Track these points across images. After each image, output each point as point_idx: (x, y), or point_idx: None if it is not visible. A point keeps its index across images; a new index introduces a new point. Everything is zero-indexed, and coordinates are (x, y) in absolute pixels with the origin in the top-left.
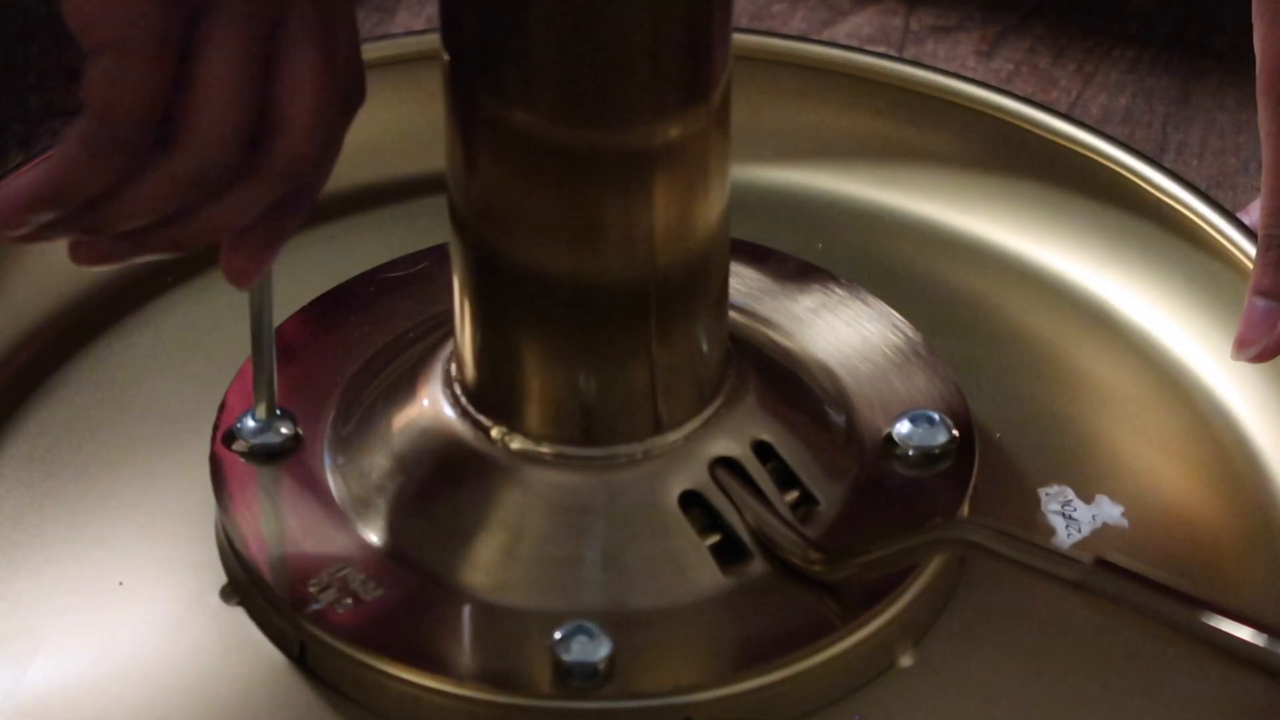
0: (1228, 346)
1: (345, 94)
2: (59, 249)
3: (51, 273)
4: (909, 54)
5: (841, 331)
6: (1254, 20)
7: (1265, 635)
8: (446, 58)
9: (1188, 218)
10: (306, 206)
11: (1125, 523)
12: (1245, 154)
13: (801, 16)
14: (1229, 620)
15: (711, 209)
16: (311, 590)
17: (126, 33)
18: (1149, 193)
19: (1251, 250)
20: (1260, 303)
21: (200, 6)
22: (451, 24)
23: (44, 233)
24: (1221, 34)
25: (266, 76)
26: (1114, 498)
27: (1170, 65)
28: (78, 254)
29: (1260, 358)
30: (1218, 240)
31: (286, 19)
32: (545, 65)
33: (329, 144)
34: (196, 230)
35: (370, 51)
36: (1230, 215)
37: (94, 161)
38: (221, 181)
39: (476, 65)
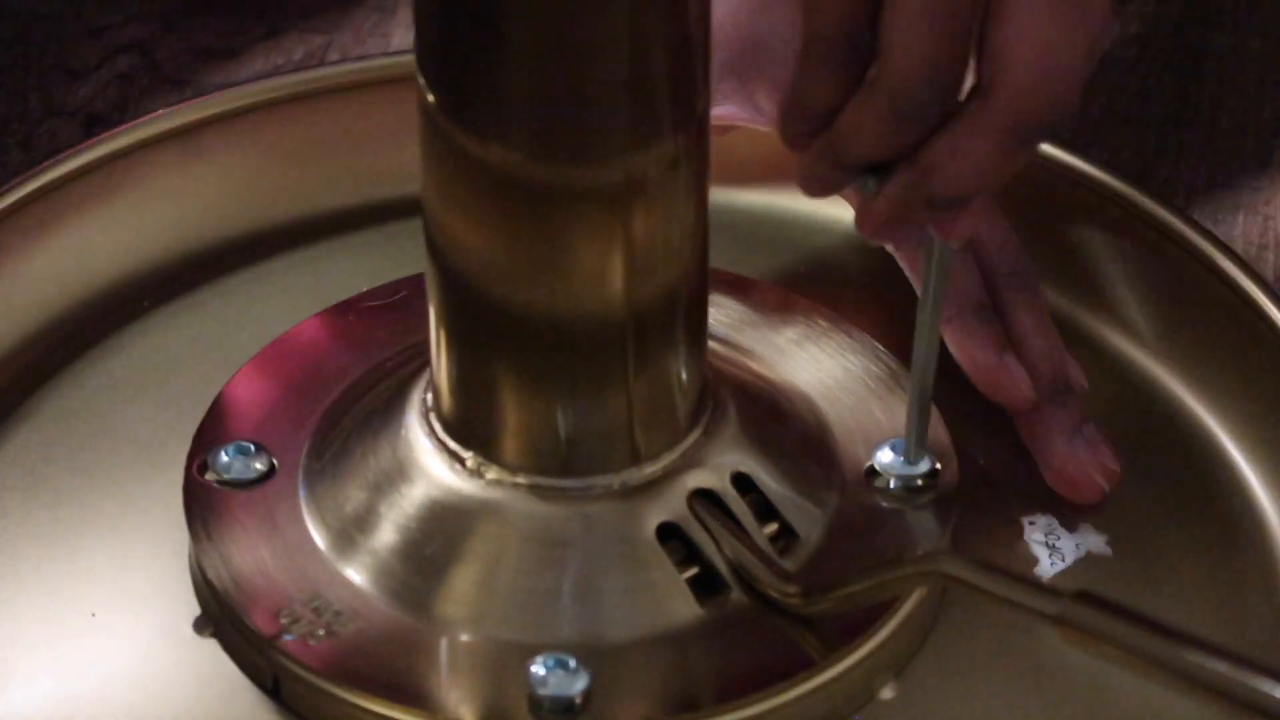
0: (1214, 373)
1: (1088, 29)
2: (34, 271)
3: (24, 297)
4: None
5: (823, 362)
6: None
7: (1245, 670)
8: (422, 84)
9: (1171, 241)
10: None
11: (1109, 551)
12: (1245, 154)
13: None
14: (1209, 654)
15: (689, 240)
16: (284, 622)
17: None
18: (1132, 216)
19: (1240, 278)
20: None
21: None
22: (427, 57)
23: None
24: (1221, 34)
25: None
26: (1098, 526)
27: (1170, 65)
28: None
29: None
30: (1205, 267)
31: None
32: (521, 101)
33: (1064, 91)
34: (937, 183)
35: (350, 75)
36: (1213, 238)
37: (812, 69)
38: (922, 118)
39: (452, 100)
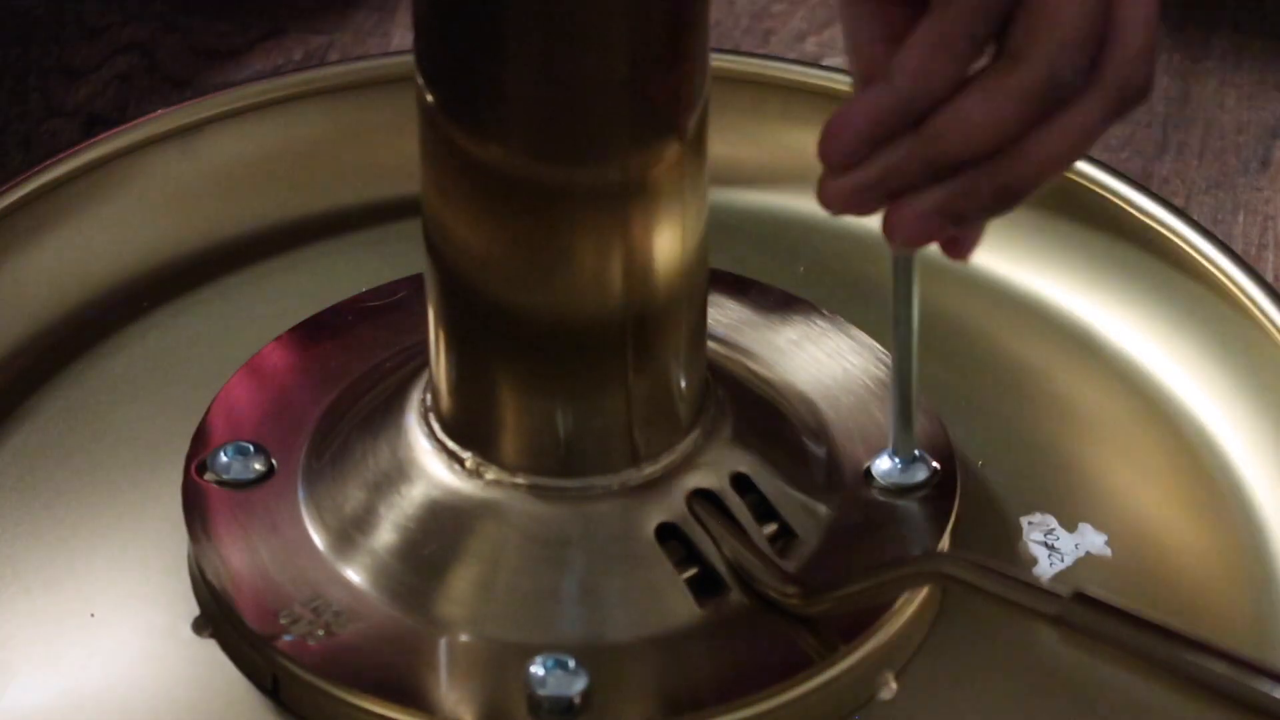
0: (1212, 372)
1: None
2: (34, 271)
3: (24, 297)
4: None
5: (823, 363)
6: None
7: (1243, 670)
8: (421, 84)
9: (1171, 242)
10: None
11: (1108, 551)
12: (1245, 154)
13: (801, 16)
14: (1207, 655)
15: (688, 239)
16: (284, 622)
17: None
18: (1133, 216)
19: (1238, 275)
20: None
21: None
22: (427, 57)
23: (871, 188)
24: (1221, 34)
25: None
26: (1097, 526)
27: (1170, 65)
28: (894, 226)
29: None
30: (1202, 264)
31: None
32: (521, 100)
33: (1153, 58)
34: (1028, 164)
35: (350, 75)
36: (1214, 238)
37: (937, 53)
38: (1068, 92)
39: (452, 100)
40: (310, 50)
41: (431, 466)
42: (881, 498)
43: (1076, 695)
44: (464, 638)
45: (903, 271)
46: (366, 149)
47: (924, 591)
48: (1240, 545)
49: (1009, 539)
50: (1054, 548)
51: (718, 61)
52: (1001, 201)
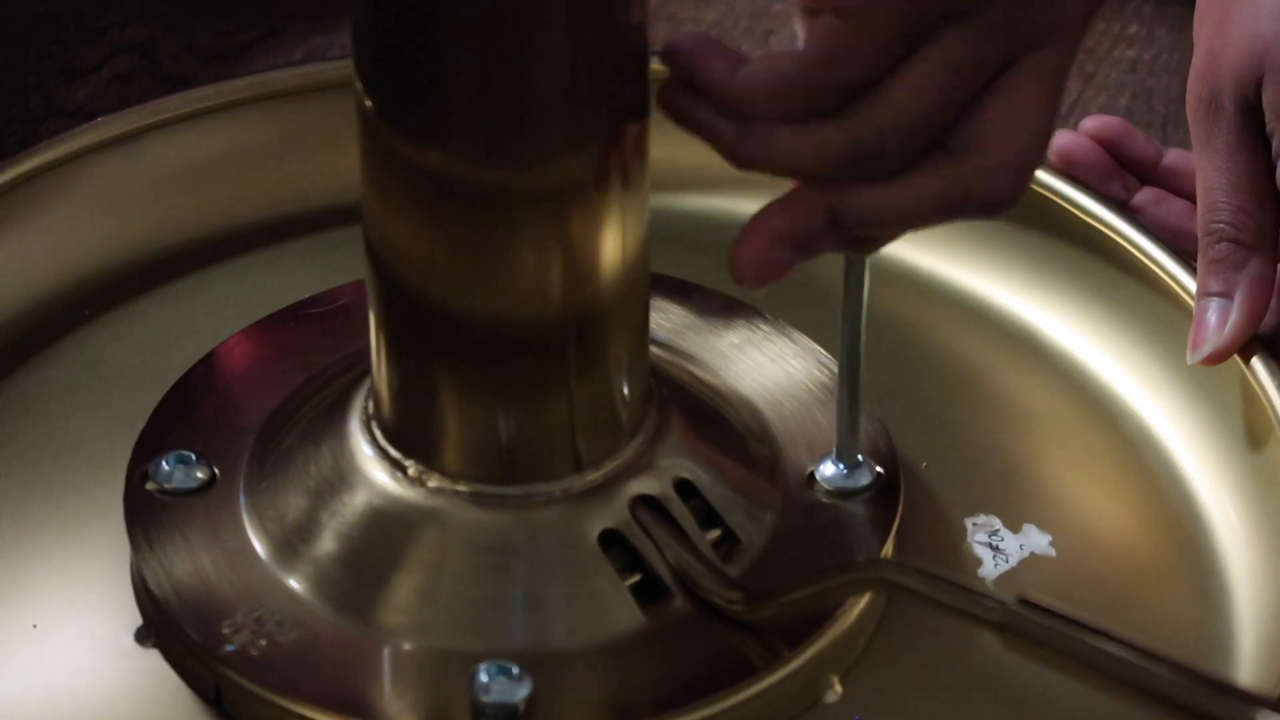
0: (1155, 372)
1: (1053, 127)
2: None
3: None
4: None
5: (766, 368)
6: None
7: (1182, 675)
8: (359, 89)
9: (1114, 242)
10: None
11: (1053, 552)
12: None
13: None
14: (1150, 660)
15: (629, 243)
16: (226, 632)
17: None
18: (1075, 217)
19: (1180, 274)
20: (1209, 304)
21: (946, 17)
22: (365, 63)
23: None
24: None
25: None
26: (1041, 526)
27: (1170, 65)
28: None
29: (1212, 360)
30: (1145, 265)
31: (1019, 62)
32: (460, 106)
33: (1024, 180)
34: (853, 206)
35: (288, 81)
36: (1158, 239)
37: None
38: (880, 164)
39: (390, 106)
40: (310, 50)
41: (374, 474)
42: (825, 501)
43: (1020, 698)
44: (407, 646)
45: (855, 276)
46: (307, 155)
47: (868, 595)
48: (1184, 544)
49: (953, 541)
50: (998, 549)
51: (657, 64)
52: (834, 231)
